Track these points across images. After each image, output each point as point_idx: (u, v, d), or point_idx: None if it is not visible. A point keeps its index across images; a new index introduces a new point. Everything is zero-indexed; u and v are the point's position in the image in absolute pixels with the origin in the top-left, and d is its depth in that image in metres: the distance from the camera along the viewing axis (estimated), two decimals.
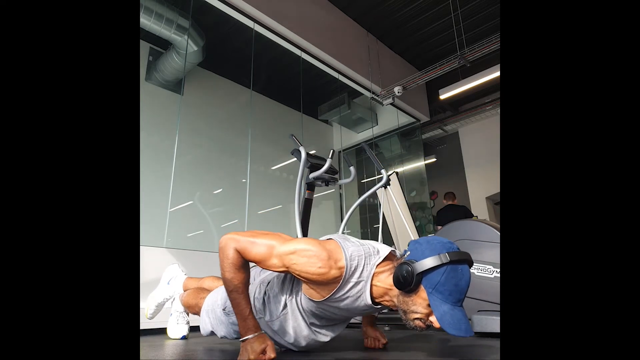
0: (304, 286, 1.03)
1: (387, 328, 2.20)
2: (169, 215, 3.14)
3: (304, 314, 1.09)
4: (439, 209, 4.87)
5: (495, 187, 5.68)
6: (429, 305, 0.88)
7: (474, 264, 1.60)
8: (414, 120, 5.74)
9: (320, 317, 1.09)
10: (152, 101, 4.04)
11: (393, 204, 2.85)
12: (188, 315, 1.71)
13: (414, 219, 2.94)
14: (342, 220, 2.66)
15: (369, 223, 5.82)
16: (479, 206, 5.97)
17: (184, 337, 1.66)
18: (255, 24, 3.63)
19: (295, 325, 1.10)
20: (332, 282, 0.95)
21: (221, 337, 1.29)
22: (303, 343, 1.12)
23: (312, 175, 2.11)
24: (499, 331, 1.38)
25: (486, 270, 1.56)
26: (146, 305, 1.73)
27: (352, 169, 2.45)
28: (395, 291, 0.94)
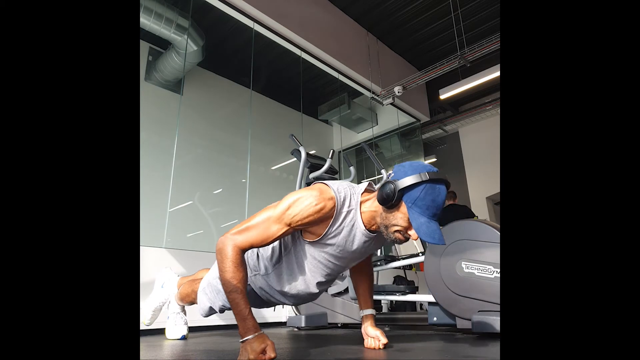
0: (304, 233, 1.10)
1: (387, 328, 2.20)
2: (169, 216, 3.14)
3: (302, 261, 1.15)
4: None
5: (495, 187, 5.68)
6: (408, 219, 0.99)
7: (474, 264, 1.61)
8: (414, 120, 5.73)
9: (317, 263, 1.13)
10: (151, 101, 4.04)
11: None
12: (185, 315, 1.71)
13: None
14: None
15: None
16: (479, 206, 5.97)
17: (183, 337, 1.65)
18: (255, 23, 3.63)
19: (290, 278, 1.18)
20: (328, 217, 1.04)
21: (219, 310, 1.33)
22: (296, 292, 1.20)
23: (312, 175, 2.11)
24: (499, 331, 1.38)
25: (486, 270, 1.55)
26: (142, 313, 1.72)
27: (352, 169, 2.44)
28: (379, 216, 1.04)
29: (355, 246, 1.11)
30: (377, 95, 4.82)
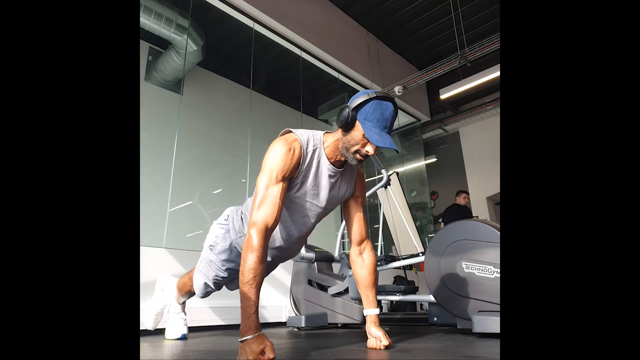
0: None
1: (387, 328, 2.20)
2: (169, 216, 3.13)
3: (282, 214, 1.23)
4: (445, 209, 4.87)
5: (495, 187, 5.68)
6: (364, 136, 1.13)
7: (475, 264, 1.60)
8: (414, 120, 5.73)
9: (296, 206, 1.24)
10: (151, 101, 4.04)
11: (393, 204, 2.85)
12: (185, 315, 1.71)
13: (415, 219, 2.94)
14: (341, 221, 2.66)
15: (370, 223, 5.80)
16: (480, 206, 5.97)
17: (183, 337, 1.65)
18: (255, 23, 3.63)
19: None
20: (299, 156, 1.17)
21: (214, 284, 1.43)
22: (281, 243, 1.32)
23: None
24: (499, 331, 1.37)
25: (486, 270, 1.55)
26: (146, 318, 1.74)
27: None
28: (341, 142, 1.18)
29: (323, 181, 1.24)
30: None
